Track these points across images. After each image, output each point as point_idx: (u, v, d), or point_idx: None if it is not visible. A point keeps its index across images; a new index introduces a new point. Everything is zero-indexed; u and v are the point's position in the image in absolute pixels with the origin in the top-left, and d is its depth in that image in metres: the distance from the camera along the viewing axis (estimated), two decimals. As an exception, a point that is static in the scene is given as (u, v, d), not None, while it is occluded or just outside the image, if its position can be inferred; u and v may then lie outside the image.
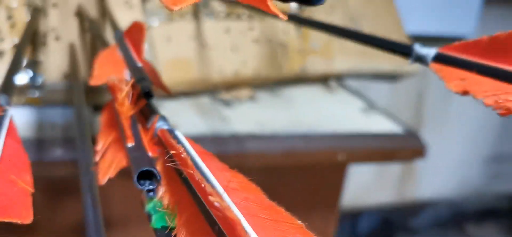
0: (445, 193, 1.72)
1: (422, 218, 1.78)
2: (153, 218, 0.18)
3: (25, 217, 0.19)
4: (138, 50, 0.29)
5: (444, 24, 1.25)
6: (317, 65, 0.86)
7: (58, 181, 0.62)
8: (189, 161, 0.16)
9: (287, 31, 0.82)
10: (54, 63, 0.62)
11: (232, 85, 0.77)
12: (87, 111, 0.40)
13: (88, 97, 0.55)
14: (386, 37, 0.34)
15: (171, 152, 0.18)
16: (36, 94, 0.62)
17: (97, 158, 0.24)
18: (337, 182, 0.79)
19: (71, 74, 0.56)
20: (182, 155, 0.17)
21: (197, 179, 0.15)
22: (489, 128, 1.64)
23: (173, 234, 0.18)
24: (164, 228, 0.18)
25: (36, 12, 0.61)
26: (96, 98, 0.63)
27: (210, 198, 0.13)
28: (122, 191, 0.66)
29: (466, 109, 1.51)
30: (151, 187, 0.19)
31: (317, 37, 0.84)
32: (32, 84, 0.61)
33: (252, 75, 0.78)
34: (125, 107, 0.21)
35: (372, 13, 0.92)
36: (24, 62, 0.61)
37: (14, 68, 0.40)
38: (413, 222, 1.75)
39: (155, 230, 0.18)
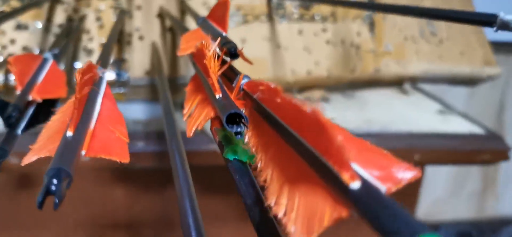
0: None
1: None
2: (225, 149, 0.20)
3: (124, 157, 0.20)
4: (222, 24, 0.30)
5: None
6: (391, 67, 0.85)
7: (139, 172, 0.66)
8: (279, 88, 0.17)
9: (361, 32, 0.82)
10: (138, 61, 0.66)
11: (305, 86, 0.78)
12: (172, 103, 0.42)
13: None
14: (467, 10, 0.33)
15: (260, 87, 0.19)
16: (122, 90, 0.66)
17: (185, 118, 0.26)
18: (414, 185, 0.77)
19: (156, 70, 0.60)
20: (272, 86, 0.18)
21: (287, 99, 0.16)
22: None
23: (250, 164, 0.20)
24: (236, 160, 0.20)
25: (122, 14, 0.65)
26: (177, 96, 0.66)
27: (302, 107, 0.14)
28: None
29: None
30: (239, 129, 0.20)
31: (391, 39, 0.83)
32: (118, 81, 0.65)
33: (325, 76, 0.78)
34: (214, 64, 0.23)
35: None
36: (111, 60, 0.65)
37: (103, 62, 0.43)
38: (493, 239, 1.66)
39: (226, 160, 0.21)
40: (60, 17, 0.66)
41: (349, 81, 0.81)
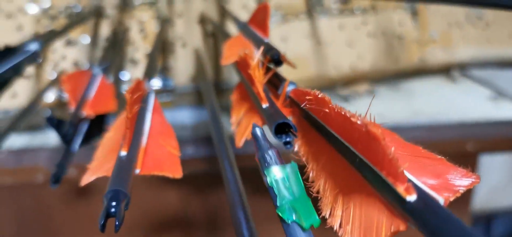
0: None
1: None
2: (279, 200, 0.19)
3: (176, 172, 0.21)
4: (264, 29, 0.30)
5: None
6: (437, 55, 0.82)
7: (190, 176, 0.66)
8: (327, 99, 0.17)
9: (403, 22, 0.80)
10: (182, 68, 0.67)
11: (349, 81, 0.77)
12: (219, 107, 0.42)
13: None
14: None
15: (307, 97, 0.19)
16: (169, 98, 0.67)
17: (233, 127, 0.26)
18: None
19: (199, 76, 0.61)
20: (319, 96, 0.18)
21: (336, 110, 0.16)
22: None
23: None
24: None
25: (165, 23, 0.66)
26: (221, 100, 0.67)
27: (352, 118, 0.14)
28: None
29: None
30: (288, 139, 0.20)
31: (436, 26, 0.81)
32: (164, 89, 0.66)
33: (369, 69, 0.77)
34: (258, 72, 0.23)
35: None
36: (157, 69, 0.66)
37: (149, 72, 0.44)
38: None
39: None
40: (105, 30, 0.67)
41: (394, 73, 0.80)
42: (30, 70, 0.64)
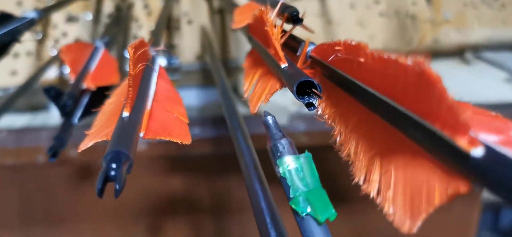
0: None
1: None
2: (293, 193, 0.17)
3: (185, 138, 0.19)
4: (279, -8, 0.28)
5: None
6: (451, 36, 0.80)
7: (196, 159, 0.64)
8: (363, 44, 0.15)
9: (417, 2, 0.77)
10: (188, 45, 0.65)
11: (360, 61, 0.74)
12: (230, 85, 0.40)
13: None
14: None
15: (337, 47, 0.17)
16: (174, 77, 0.65)
17: (246, 94, 0.24)
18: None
19: (208, 53, 0.58)
20: (352, 43, 0.15)
21: (376, 56, 0.13)
22: None
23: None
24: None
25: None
26: (229, 78, 0.65)
27: (400, 60, 0.11)
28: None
29: None
30: (311, 100, 0.18)
31: (450, 6, 0.78)
32: (169, 67, 0.64)
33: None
34: (276, 30, 0.21)
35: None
36: (161, 46, 0.64)
37: (154, 41, 0.41)
38: None
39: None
40: (108, 6, 0.65)
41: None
42: (30, 47, 0.62)
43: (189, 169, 0.67)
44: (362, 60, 0.14)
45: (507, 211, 1.55)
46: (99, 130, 0.18)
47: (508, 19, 0.84)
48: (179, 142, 0.18)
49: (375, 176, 0.13)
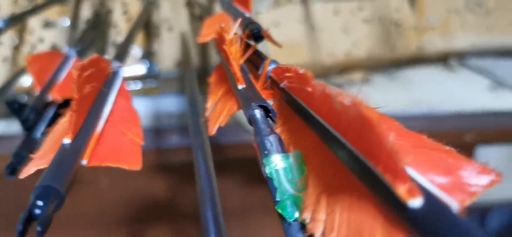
0: None
1: None
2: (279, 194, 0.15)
3: (135, 164, 0.18)
4: (246, 5, 0.27)
5: None
6: (435, 43, 0.79)
7: (177, 166, 0.63)
8: (309, 74, 0.14)
9: (400, 8, 0.77)
10: (168, 52, 0.63)
11: (344, 68, 0.73)
12: (200, 96, 0.40)
13: (200, 85, 0.55)
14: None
15: (287, 74, 0.16)
16: (153, 83, 0.64)
17: (207, 113, 0.23)
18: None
19: (184, 62, 0.57)
20: (301, 72, 0.15)
21: (319, 89, 0.13)
22: None
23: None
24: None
25: (149, 5, 0.63)
26: (207, 87, 0.64)
27: (339, 98, 0.11)
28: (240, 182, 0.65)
29: None
30: (265, 125, 0.17)
31: (434, 12, 0.78)
32: (149, 74, 0.63)
33: (365, 56, 0.74)
34: (234, 48, 0.20)
35: None
36: (141, 54, 0.63)
37: (120, 52, 0.40)
38: (552, 219, 1.57)
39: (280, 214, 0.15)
40: (87, 12, 0.64)
41: (390, 61, 0.77)
42: (6, 52, 0.61)
43: (171, 175, 0.66)
44: (309, 90, 0.14)
45: (494, 214, 1.55)
46: (43, 155, 0.17)
47: (492, 26, 0.84)
48: (127, 168, 0.17)
49: (321, 216, 0.12)
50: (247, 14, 0.26)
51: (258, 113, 0.18)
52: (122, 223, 0.67)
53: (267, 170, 0.16)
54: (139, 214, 0.68)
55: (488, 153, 1.24)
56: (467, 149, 0.69)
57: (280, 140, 0.17)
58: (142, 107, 0.62)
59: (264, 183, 0.17)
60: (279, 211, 0.15)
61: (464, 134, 0.64)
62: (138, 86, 0.63)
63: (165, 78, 0.64)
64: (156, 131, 0.60)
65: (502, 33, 0.84)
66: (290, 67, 0.16)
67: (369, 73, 0.75)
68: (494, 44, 0.83)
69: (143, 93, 0.64)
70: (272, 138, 0.17)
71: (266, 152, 0.17)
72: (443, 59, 0.82)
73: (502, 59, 0.88)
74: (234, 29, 0.21)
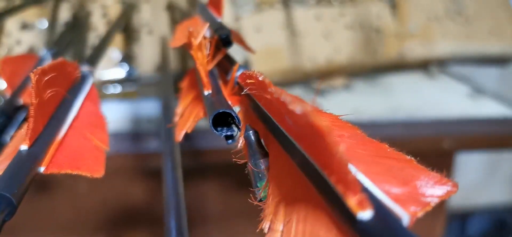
0: None
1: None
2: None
3: (96, 171, 0.17)
4: (218, 10, 0.27)
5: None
6: (416, 50, 0.80)
7: (155, 172, 0.63)
8: (267, 81, 0.14)
9: (382, 15, 0.77)
10: (147, 56, 0.63)
11: (325, 74, 0.74)
12: (175, 102, 0.39)
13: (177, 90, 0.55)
14: None
15: (249, 81, 0.16)
16: (132, 87, 0.63)
17: (176, 118, 0.22)
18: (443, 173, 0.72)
19: (162, 66, 0.57)
20: (260, 79, 0.14)
21: (275, 96, 0.12)
22: None
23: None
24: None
25: (129, 8, 0.62)
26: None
27: (291, 106, 0.10)
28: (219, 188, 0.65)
29: None
30: (229, 133, 0.16)
31: (414, 20, 0.79)
32: (128, 78, 0.62)
33: (346, 62, 0.74)
34: (202, 53, 0.19)
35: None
36: (120, 57, 0.62)
37: (102, 45, 0.40)
38: (531, 224, 1.59)
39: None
40: (65, 14, 0.63)
41: (371, 67, 0.77)
42: (-18, 55, 0.60)
43: (150, 180, 0.65)
44: (268, 97, 0.13)
45: (474, 219, 1.56)
46: (2, 160, 0.17)
47: (472, 34, 0.84)
48: (88, 175, 0.17)
49: (278, 226, 0.12)
50: (218, 19, 0.25)
51: (252, 134, 0.18)
52: (100, 228, 0.66)
53: (262, 194, 0.16)
54: (117, 219, 0.67)
55: (468, 160, 1.26)
56: (446, 156, 0.70)
57: None
58: (121, 111, 0.62)
59: (246, 188, 0.17)
60: None
61: (442, 141, 0.64)
62: (117, 89, 0.63)
63: (144, 82, 0.63)
64: (135, 135, 0.60)
65: (482, 41, 0.85)
66: (252, 73, 0.16)
67: (350, 78, 0.75)
68: (474, 51, 0.84)
69: (122, 96, 0.64)
70: (265, 161, 0.17)
71: (260, 175, 0.16)
72: (423, 66, 0.82)
73: (481, 67, 0.89)
74: (201, 34, 0.21)
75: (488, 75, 1.09)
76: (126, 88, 0.64)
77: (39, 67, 0.17)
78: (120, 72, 0.62)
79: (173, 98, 0.33)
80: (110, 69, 0.61)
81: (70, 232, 0.66)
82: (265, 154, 0.17)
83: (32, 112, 0.16)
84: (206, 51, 0.20)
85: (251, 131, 0.18)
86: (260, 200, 0.16)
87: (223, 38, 0.21)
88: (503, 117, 0.68)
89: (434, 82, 0.80)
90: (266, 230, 0.12)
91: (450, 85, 0.79)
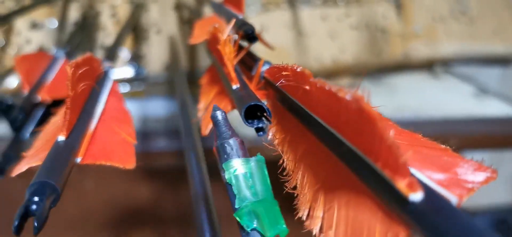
0: None
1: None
2: (238, 202, 0.15)
3: (128, 163, 0.18)
4: (239, 6, 0.27)
5: None
6: (420, 50, 0.80)
7: (163, 170, 0.63)
8: (307, 72, 0.14)
9: (387, 15, 0.77)
10: (156, 56, 0.63)
11: (331, 73, 0.74)
12: (190, 99, 0.40)
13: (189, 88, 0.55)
14: None
15: (284, 73, 0.16)
16: (141, 87, 0.63)
17: (200, 113, 0.23)
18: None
19: (173, 65, 0.57)
20: (298, 70, 0.15)
21: (319, 86, 0.13)
22: None
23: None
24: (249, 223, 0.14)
25: (138, 8, 0.62)
26: (196, 90, 0.63)
27: (340, 93, 0.11)
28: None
29: None
30: (260, 125, 0.17)
31: (420, 20, 0.79)
32: (136, 77, 0.63)
33: (351, 62, 0.74)
34: (228, 48, 0.20)
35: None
36: (129, 56, 0.63)
37: (111, 53, 0.40)
38: (533, 225, 1.59)
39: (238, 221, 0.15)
40: (74, 14, 0.63)
41: (376, 67, 0.77)
42: (-9, 54, 0.60)
43: (155, 181, 0.65)
44: (307, 87, 0.14)
45: (476, 220, 1.56)
46: (36, 153, 0.17)
47: (476, 34, 0.85)
48: (120, 166, 0.17)
49: (318, 213, 0.12)
50: (240, 16, 0.26)
51: (219, 114, 0.17)
52: (105, 226, 0.66)
53: (226, 176, 0.16)
54: (123, 217, 0.67)
55: (472, 156, 1.26)
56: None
57: (241, 143, 0.16)
58: (129, 109, 0.62)
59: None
60: (237, 219, 0.15)
61: (447, 140, 0.64)
62: (125, 88, 0.63)
63: (152, 81, 0.64)
64: (143, 134, 0.60)
65: (486, 41, 0.85)
66: (286, 66, 0.16)
67: (356, 78, 0.75)
68: (478, 51, 0.85)
69: (130, 95, 0.64)
70: (232, 141, 0.16)
71: (225, 156, 0.16)
72: (428, 66, 0.83)
73: (485, 66, 0.89)
74: (227, 30, 0.21)
75: (492, 75, 1.09)
76: (134, 87, 0.64)
77: (73, 61, 0.18)
78: (129, 71, 0.63)
79: (188, 95, 0.33)
80: (119, 68, 0.61)
81: (76, 230, 0.66)
82: (233, 134, 0.17)
83: (68, 104, 0.16)
84: (232, 44, 0.20)
85: (218, 111, 0.18)
86: (227, 183, 0.16)
87: (249, 34, 0.21)
88: (507, 117, 0.68)
89: (439, 82, 0.80)
90: (304, 217, 0.13)
91: (455, 85, 0.79)
